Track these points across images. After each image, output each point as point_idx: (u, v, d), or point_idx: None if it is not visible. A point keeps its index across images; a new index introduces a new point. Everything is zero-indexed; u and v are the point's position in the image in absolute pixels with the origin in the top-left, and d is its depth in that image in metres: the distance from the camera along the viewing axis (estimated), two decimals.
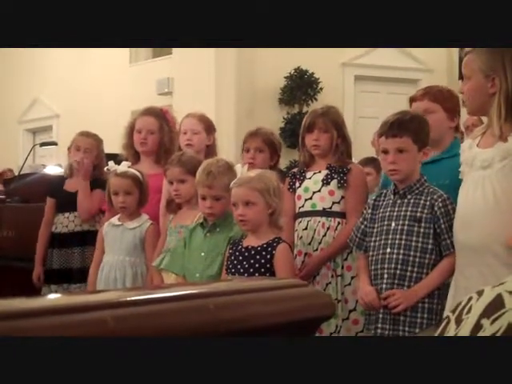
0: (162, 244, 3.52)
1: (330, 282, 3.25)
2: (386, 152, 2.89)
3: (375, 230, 2.95)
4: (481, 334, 0.85)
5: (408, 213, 2.86)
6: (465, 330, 0.88)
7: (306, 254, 3.31)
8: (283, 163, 7.06)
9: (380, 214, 2.95)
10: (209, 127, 3.91)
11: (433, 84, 3.65)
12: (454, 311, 0.94)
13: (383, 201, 2.98)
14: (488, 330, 0.85)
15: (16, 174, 7.82)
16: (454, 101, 3.24)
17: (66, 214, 4.32)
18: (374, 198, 3.08)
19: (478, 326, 0.86)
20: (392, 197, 2.94)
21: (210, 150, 3.86)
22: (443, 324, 0.95)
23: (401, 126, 2.85)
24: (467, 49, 2.70)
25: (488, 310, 0.87)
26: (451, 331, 0.91)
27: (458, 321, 0.91)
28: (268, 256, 2.86)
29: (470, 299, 0.92)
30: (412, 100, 3.29)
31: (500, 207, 2.49)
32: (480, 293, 0.91)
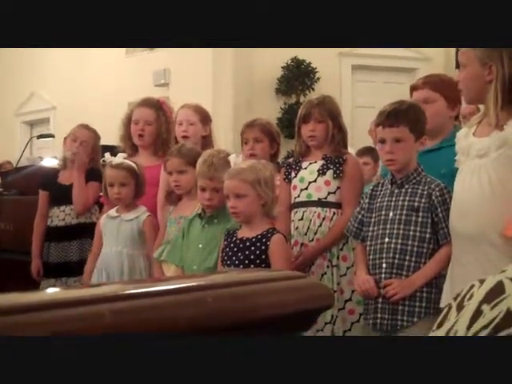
0: (162, 236, 3.52)
1: (325, 273, 3.26)
2: (382, 142, 2.89)
3: (373, 220, 2.95)
4: (481, 319, 0.86)
5: (406, 202, 2.86)
6: (465, 316, 0.89)
7: (302, 244, 3.31)
8: (281, 153, 7.06)
9: (377, 204, 2.95)
10: (204, 118, 3.91)
11: (430, 73, 3.64)
12: (455, 298, 0.95)
13: (380, 191, 2.98)
14: (488, 315, 0.85)
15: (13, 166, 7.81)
16: (454, 90, 3.23)
17: (62, 208, 4.31)
18: (371, 187, 3.07)
19: (478, 312, 0.87)
20: (389, 186, 2.94)
21: (207, 141, 3.86)
22: (445, 311, 0.96)
23: (397, 116, 2.85)
24: None
25: (489, 296, 0.88)
26: (452, 318, 0.92)
27: (460, 308, 0.92)
28: (263, 247, 2.86)
29: (471, 287, 0.93)
30: (413, 89, 3.28)
31: (496, 196, 2.49)
32: (482, 281, 0.92)
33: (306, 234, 3.31)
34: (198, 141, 3.78)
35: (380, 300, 2.85)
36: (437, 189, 2.82)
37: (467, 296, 0.92)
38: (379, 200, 2.95)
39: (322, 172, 3.33)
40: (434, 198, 2.81)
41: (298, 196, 3.37)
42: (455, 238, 2.67)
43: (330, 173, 3.32)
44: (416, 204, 2.84)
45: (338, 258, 3.28)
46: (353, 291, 3.22)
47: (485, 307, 0.87)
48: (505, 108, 2.50)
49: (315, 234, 3.29)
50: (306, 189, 3.35)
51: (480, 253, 2.51)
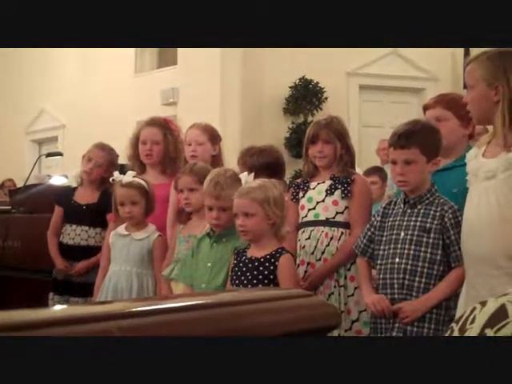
0: (171, 254, 3.52)
1: (332, 293, 3.24)
2: (394, 163, 2.88)
3: (384, 239, 2.93)
4: None
5: (417, 223, 2.84)
6: None
7: (308, 263, 3.30)
8: (288, 173, 7.06)
9: (389, 223, 2.93)
10: (213, 137, 3.92)
11: (437, 93, 3.65)
12: (457, 322, 0.95)
13: (393, 209, 2.96)
14: None
15: (19, 184, 7.85)
16: (467, 108, 3.24)
17: (74, 227, 4.31)
18: (384, 205, 3.06)
19: (481, 336, 0.87)
20: (402, 206, 2.92)
21: (216, 160, 3.87)
22: (447, 334, 0.96)
23: (409, 138, 2.83)
24: (470, 58, 2.70)
25: (492, 319, 0.88)
26: None
27: (462, 331, 0.92)
28: (271, 267, 2.86)
29: (473, 310, 0.93)
30: (425, 108, 3.27)
31: (504, 218, 2.48)
32: (483, 303, 0.92)
33: (312, 253, 3.29)
34: (207, 160, 3.79)
35: (391, 320, 2.83)
36: (450, 211, 2.80)
37: (469, 319, 0.92)
38: (391, 219, 2.94)
39: (330, 192, 3.33)
40: (446, 219, 2.79)
41: (306, 216, 3.37)
42: (467, 260, 2.66)
43: (338, 193, 3.32)
44: (428, 225, 2.82)
45: (345, 278, 3.26)
46: (360, 312, 3.21)
47: (488, 331, 0.87)
48: None
49: (323, 253, 3.28)
50: (314, 208, 3.34)
51: (490, 275, 2.50)
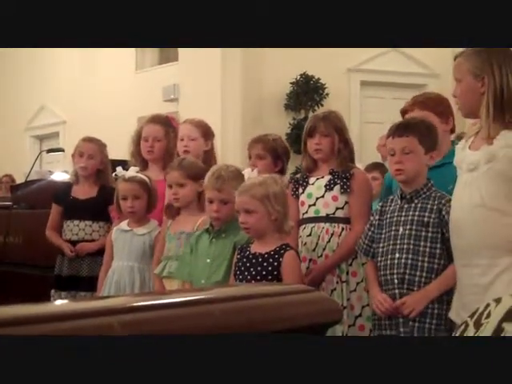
0: (161, 250, 3.51)
1: (335, 288, 3.24)
2: (392, 154, 2.90)
3: (383, 236, 2.94)
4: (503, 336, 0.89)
5: (415, 217, 2.85)
6: (486, 333, 0.91)
7: (310, 260, 3.30)
8: (290, 169, 7.07)
9: (387, 220, 2.94)
10: (206, 133, 3.91)
11: (438, 89, 3.66)
12: (471, 316, 0.97)
13: (390, 206, 2.97)
14: (510, 332, 0.88)
15: (20, 180, 7.84)
16: (444, 104, 3.26)
17: (76, 222, 4.30)
18: (380, 203, 3.07)
19: (499, 329, 0.89)
20: (399, 202, 2.93)
21: (209, 156, 3.87)
22: (461, 328, 0.98)
23: (407, 127, 2.89)
24: (456, 54, 2.72)
25: (509, 314, 0.90)
26: (470, 334, 0.94)
27: (478, 325, 0.94)
28: (275, 263, 2.86)
29: (487, 306, 0.95)
30: (403, 112, 3.31)
31: (485, 211, 2.49)
32: (498, 300, 0.94)
33: (314, 250, 3.29)
34: (199, 156, 3.79)
35: (400, 316, 2.84)
36: (447, 204, 2.79)
37: (484, 314, 0.94)
38: (389, 216, 2.95)
39: (329, 187, 3.33)
40: (444, 213, 2.79)
41: (306, 212, 3.36)
42: (454, 252, 2.68)
43: (337, 188, 3.31)
44: (426, 219, 2.83)
45: (347, 273, 3.26)
46: (363, 307, 3.21)
47: (506, 325, 0.89)
48: (497, 120, 2.51)
49: (324, 249, 3.28)
50: (314, 204, 3.34)
51: (472, 267, 2.52)
